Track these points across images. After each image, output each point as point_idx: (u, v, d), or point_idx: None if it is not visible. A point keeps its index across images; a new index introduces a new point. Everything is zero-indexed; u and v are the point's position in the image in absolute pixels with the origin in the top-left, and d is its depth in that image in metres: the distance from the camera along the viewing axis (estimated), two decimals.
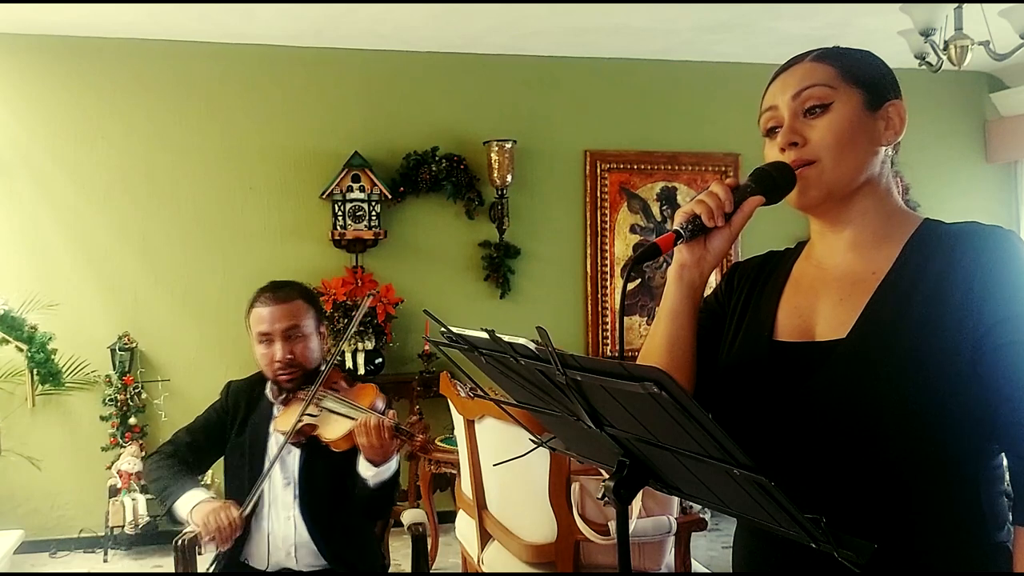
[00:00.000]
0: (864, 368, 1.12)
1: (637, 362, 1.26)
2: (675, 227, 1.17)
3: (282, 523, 2.41)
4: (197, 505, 2.30)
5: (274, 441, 2.44)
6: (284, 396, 2.46)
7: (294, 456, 2.41)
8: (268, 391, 2.51)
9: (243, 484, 2.42)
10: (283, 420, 2.41)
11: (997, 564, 1.13)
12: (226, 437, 2.52)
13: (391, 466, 2.29)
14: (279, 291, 2.47)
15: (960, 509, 1.12)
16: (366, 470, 2.27)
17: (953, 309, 1.10)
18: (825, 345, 1.18)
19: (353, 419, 2.28)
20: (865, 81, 1.20)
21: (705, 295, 1.29)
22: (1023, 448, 1.09)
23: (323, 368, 2.47)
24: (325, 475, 2.39)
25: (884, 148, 1.21)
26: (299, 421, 2.32)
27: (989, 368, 1.08)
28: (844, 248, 1.23)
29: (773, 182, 1.18)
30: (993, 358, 1.08)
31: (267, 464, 2.41)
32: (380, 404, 2.38)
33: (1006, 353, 1.07)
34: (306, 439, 2.37)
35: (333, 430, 2.32)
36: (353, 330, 2.56)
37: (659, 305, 1.27)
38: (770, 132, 1.24)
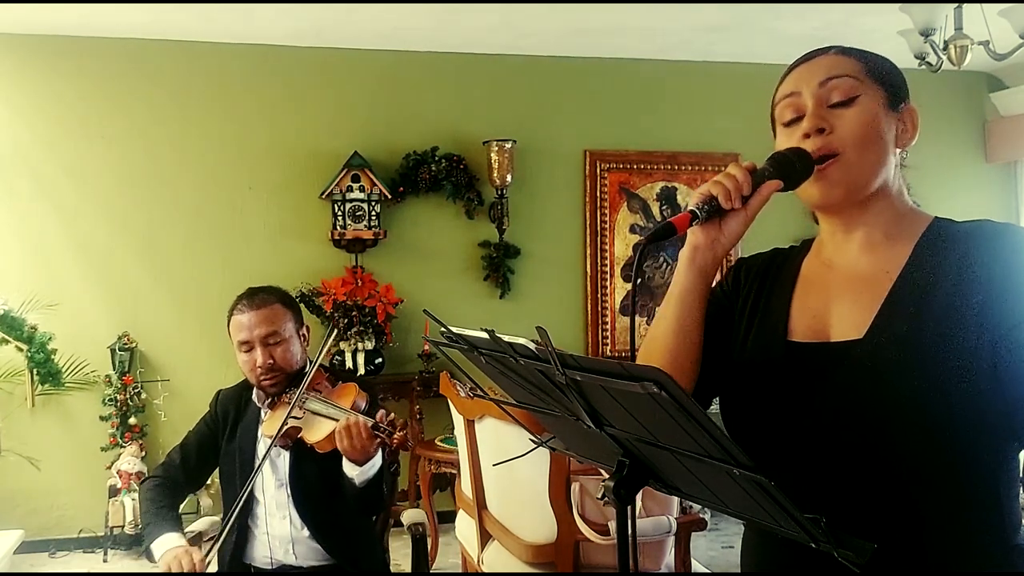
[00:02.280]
0: (881, 369, 1.11)
1: (642, 346, 1.25)
2: (691, 207, 1.15)
3: (278, 522, 2.43)
4: (166, 552, 2.32)
5: (263, 445, 2.46)
6: (270, 400, 2.48)
7: (284, 458, 2.43)
8: (255, 396, 2.53)
9: (236, 490, 2.45)
10: (269, 424, 2.42)
11: (1014, 566, 1.12)
12: (219, 447, 2.54)
13: (374, 463, 2.29)
14: (256, 297, 2.48)
15: (978, 511, 1.11)
16: (350, 470, 2.28)
17: (972, 308, 1.09)
18: (841, 346, 1.16)
19: (335, 420, 2.28)
20: (887, 80, 1.20)
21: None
22: None
23: (307, 369, 2.47)
24: (314, 475, 2.41)
25: (899, 150, 1.21)
26: (283, 425, 2.33)
27: (1010, 367, 1.06)
28: (856, 248, 1.22)
29: (792, 167, 1.16)
30: (1012, 358, 1.06)
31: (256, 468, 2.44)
32: (361, 403, 2.39)
33: None
34: (293, 441, 2.38)
35: (316, 432, 2.33)
36: (328, 344, 2.54)
37: (666, 293, 1.25)
38: (791, 121, 1.21)
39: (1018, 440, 1.11)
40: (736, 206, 1.15)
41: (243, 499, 2.35)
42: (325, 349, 2.47)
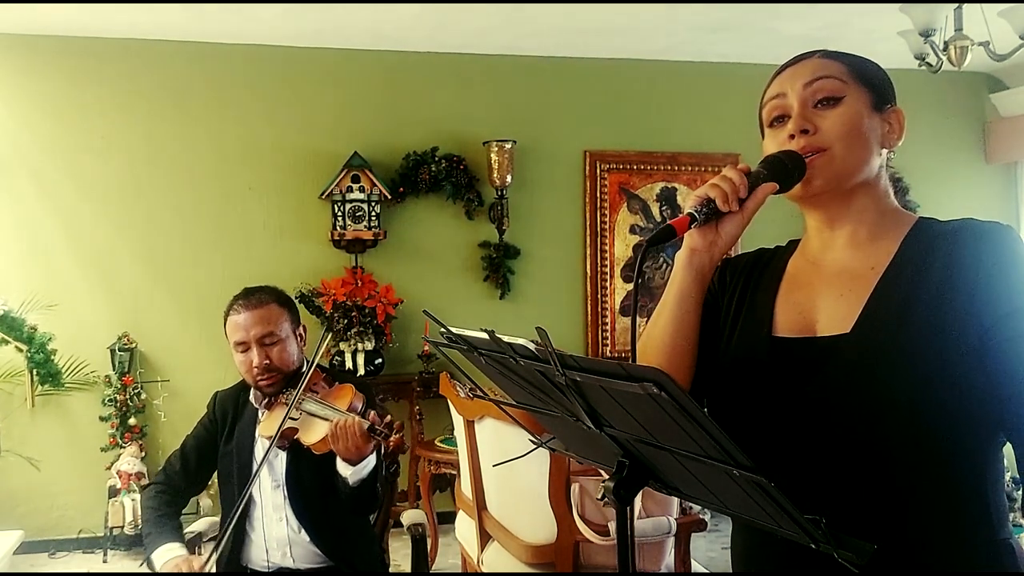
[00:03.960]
0: (869, 363, 1.11)
1: (639, 348, 1.26)
2: (689, 210, 1.17)
3: (275, 524, 2.43)
4: (166, 562, 2.33)
5: (260, 446, 2.46)
6: (267, 401, 2.48)
7: (280, 459, 2.43)
8: (252, 397, 2.53)
9: (234, 490, 2.45)
10: (266, 425, 2.42)
11: (1001, 562, 1.12)
12: (217, 448, 2.54)
13: (368, 463, 2.28)
14: (252, 297, 2.48)
15: (965, 506, 1.12)
16: (344, 469, 2.28)
17: (958, 304, 1.10)
18: (827, 340, 1.17)
19: (331, 421, 2.28)
20: (872, 83, 1.22)
21: None
22: None
23: (304, 369, 2.47)
24: (311, 476, 2.41)
25: (885, 151, 1.23)
26: (280, 427, 2.33)
27: (996, 362, 1.08)
28: (841, 244, 1.23)
29: (785, 169, 1.18)
30: (1000, 352, 1.08)
31: (254, 469, 2.44)
32: (357, 404, 2.38)
33: (1013, 347, 1.07)
34: (289, 442, 2.38)
35: (312, 434, 2.32)
36: (324, 345, 2.55)
37: (664, 294, 1.26)
38: (775, 121, 1.24)
39: (1008, 433, 1.11)
40: (733, 208, 1.17)
41: (239, 502, 2.35)
42: (322, 350, 2.47)
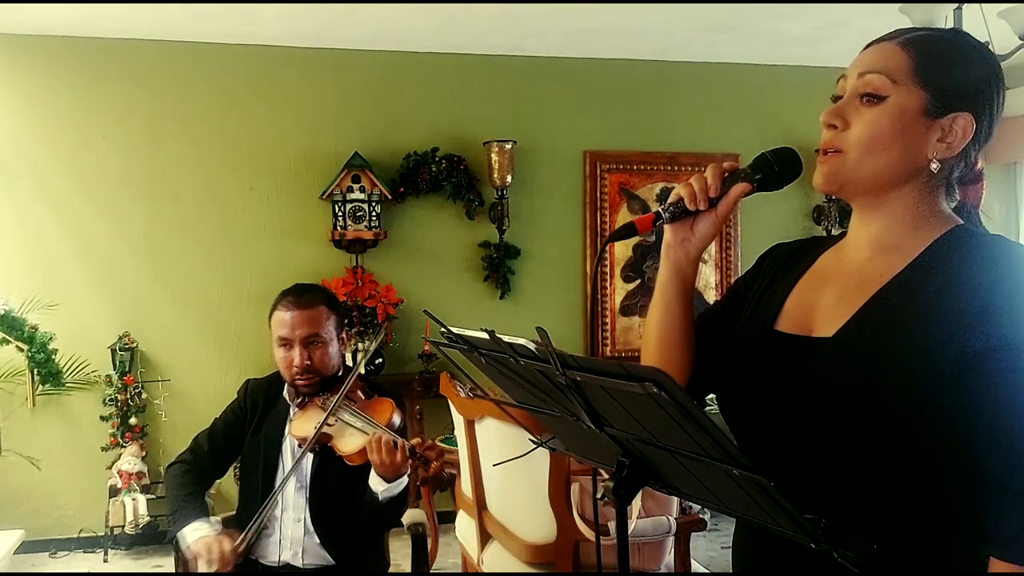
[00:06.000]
0: (840, 371, 1.10)
1: (643, 343, 1.29)
2: (659, 208, 1.19)
3: (291, 524, 2.44)
4: (198, 539, 2.33)
5: (288, 443, 2.46)
6: (300, 400, 2.48)
7: (307, 460, 2.43)
8: (285, 392, 2.53)
9: (257, 482, 2.46)
10: (298, 424, 2.42)
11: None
12: (244, 435, 2.54)
13: (402, 482, 2.29)
14: (302, 296, 2.47)
15: (933, 521, 1.10)
16: (377, 484, 2.28)
17: (948, 317, 1.05)
18: (813, 342, 1.17)
19: (368, 435, 2.27)
20: (936, 84, 1.13)
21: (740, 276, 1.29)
22: (1003, 478, 1.03)
23: (341, 373, 2.49)
24: (337, 482, 2.41)
25: (934, 159, 1.13)
26: (317, 431, 2.32)
27: (977, 392, 1.03)
28: (866, 244, 1.20)
29: (771, 169, 1.17)
30: (983, 383, 1.02)
31: (280, 465, 2.45)
32: (396, 421, 2.39)
33: (997, 380, 1.02)
34: (320, 447, 2.38)
35: (348, 444, 2.32)
36: (370, 352, 2.57)
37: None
38: (833, 101, 1.20)
39: (980, 463, 1.05)
40: (702, 208, 1.18)
41: (270, 497, 2.38)
42: (368, 356, 2.46)
